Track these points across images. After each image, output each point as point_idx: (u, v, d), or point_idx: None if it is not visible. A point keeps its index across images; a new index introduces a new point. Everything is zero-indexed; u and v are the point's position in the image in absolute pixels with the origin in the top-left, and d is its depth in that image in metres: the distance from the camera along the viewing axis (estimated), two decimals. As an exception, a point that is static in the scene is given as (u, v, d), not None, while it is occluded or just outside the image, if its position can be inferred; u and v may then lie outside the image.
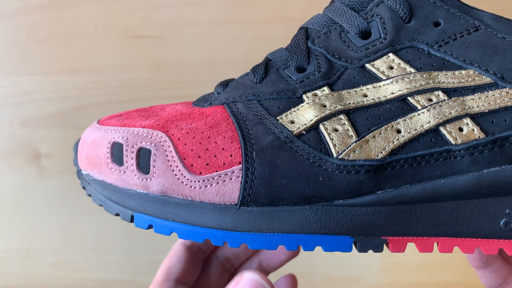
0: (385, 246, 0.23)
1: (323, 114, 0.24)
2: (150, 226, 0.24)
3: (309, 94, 0.25)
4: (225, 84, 0.28)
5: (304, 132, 0.23)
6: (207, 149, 0.23)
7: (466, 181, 0.22)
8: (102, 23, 0.45)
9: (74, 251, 0.50)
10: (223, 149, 0.23)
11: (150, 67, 0.46)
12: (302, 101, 0.25)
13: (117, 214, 0.25)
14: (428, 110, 0.23)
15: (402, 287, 0.50)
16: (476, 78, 0.23)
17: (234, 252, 0.35)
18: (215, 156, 0.23)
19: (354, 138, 0.23)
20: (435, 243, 0.23)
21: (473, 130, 0.22)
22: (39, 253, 0.51)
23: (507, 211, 0.22)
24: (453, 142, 0.22)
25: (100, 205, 0.26)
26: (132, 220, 0.25)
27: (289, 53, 0.27)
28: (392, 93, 0.24)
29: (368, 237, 0.23)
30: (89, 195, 0.27)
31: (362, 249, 0.23)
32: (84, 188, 0.27)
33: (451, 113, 0.23)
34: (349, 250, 0.23)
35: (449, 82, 0.23)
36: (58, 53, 0.46)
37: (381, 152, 0.23)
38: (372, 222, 0.23)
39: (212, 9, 0.44)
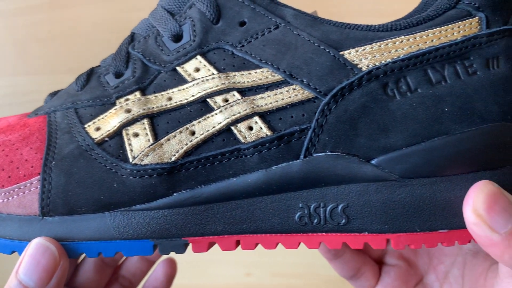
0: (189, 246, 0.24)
1: (125, 120, 0.24)
2: (-34, 240, 0.24)
3: (122, 100, 0.25)
4: (54, 93, 0.28)
5: (107, 139, 0.24)
6: (12, 161, 0.24)
7: (256, 178, 0.23)
8: (102, 23, 0.45)
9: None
10: (26, 160, 0.24)
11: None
12: (114, 107, 0.25)
13: None
14: (221, 111, 0.23)
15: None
16: (269, 77, 0.23)
17: (130, 272, 0.35)
18: (17, 168, 0.23)
19: (151, 142, 0.23)
20: (237, 241, 0.23)
21: (261, 128, 0.23)
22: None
23: (300, 205, 0.23)
24: (243, 141, 0.23)
25: None
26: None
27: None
28: (193, 96, 0.24)
29: (168, 239, 0.23)
30: None
31: (163, 251, 0.23)
32: None
33: (240, 112, 0.23)
34: (150, 253, 0.23)
35: (245, 82, 0.23)
36: (58, 53, 0.45)
37: (174, 155, 0.23)
38: (171, 224, 0.23)
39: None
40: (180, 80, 0.25)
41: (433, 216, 0.22)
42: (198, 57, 0.25)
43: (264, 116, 0.23)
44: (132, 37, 0.28)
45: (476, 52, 0.22)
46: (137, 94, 0.25)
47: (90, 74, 0.27)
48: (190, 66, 0.25)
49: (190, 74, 0.25)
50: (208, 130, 0.23)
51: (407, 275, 0.32)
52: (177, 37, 0.26)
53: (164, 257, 0.36)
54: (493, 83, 0.22)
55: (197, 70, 0.25)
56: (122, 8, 0.44)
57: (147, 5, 0.45)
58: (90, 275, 0.33)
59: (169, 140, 0.23)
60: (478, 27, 0.23)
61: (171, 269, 0.36)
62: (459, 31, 0.22)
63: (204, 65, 0.24)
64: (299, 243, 0.23)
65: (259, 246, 0.24)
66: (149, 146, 0.23)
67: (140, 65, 0.26)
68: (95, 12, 0.44)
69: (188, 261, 0.50)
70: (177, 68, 0.25)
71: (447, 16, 0.23)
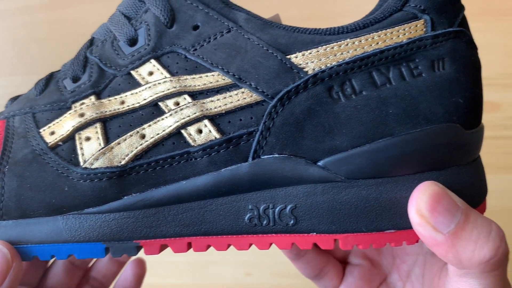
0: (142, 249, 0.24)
1: (79, 124, 0.24)
2: None
3: (77, 104, 0.25)
4: (15, 98, 0.28)
5: (60, 143, 0.24)
6: (-34, 166, 0.24)
7: (206, 181, 0.23)
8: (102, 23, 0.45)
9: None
10: (-19, 165, 0.24)
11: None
12: (69, 111, 0.25)
13: None
14: (171, 115, 0.23)
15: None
16: (220, 80, 0.24)
17: (101, 273, 0.35)
18: (-28, 172, 0.24)
19: (101, 146, 0.23)
20: (189, 243, 0.24)
21: (210, 131, 0.23)
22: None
23: (250, 206, 0.23)
24: (192, 144, 0.23)
25: None
26: None
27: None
28: (145, 99, 0.24)
29: (120, 242, 0.23)
30: None
31: (115, 254, 0.23)
32: None
33: (189, 115, 0.23)
34: (102, 256, 0.23)
35: (196, 85, 0.24)
36: (58, 53, 0.45)
37: (124, 158, 0.23)
38: (122, 227, 0.23)
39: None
40: (134, 84, 0.25)
41: (380, 217, 0.23)
42: (152, 60, 0.25)
43: (214, 119, 0.23)
44: (91, 42, 0.28)
45: (421, 54, 0.23)
46: (92, 98, 0.25)
47: (50, 78, 0.27)
48: (144, 70, 0.25)
49: (143, 78, 0.25)
50: (158, 134, 0.23)
51: (370, 275, 0.32)
52: (133, 41, 0.26)
53: (134, 256, 0.37)
54: (438, 85, 0.22)
55: (151, 73, 0.25)
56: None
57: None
58: (60, 277, 0.33)
59: (119, 144, 0.23)
60: (424, 29, 0.23)
61: (140, 269, 0.36)
62: (405, 34, 0.23)
63: (158, 69, 0.25)
64: (250, 244, 0.24)
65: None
66: (99, 150, 0.23)
67: (96, 69, 0.26)
68: (95, 12, 0.44)
69: (188, 261, 0.50)
70: (132, 72, 0.25)
71: (393, 18, 0.23)
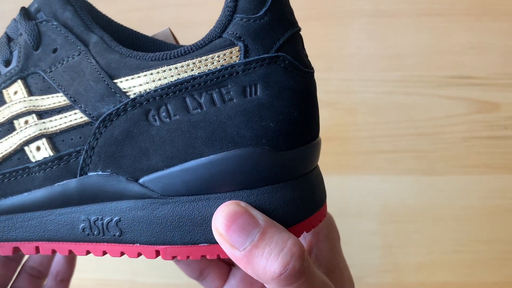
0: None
1: (-51, 139, 0.27)
2: None
3: (-42, 120, 0.28)
4: None
5: None
6: None
7: (43, 194, 0.25)
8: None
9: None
10: None
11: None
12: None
13: None
14: (17, 133, 0.26)
15: (402, 287, 0.51)
16: (62, 101, 0.26)
17: (37, 262, 0.39)
18: None
19: (-38, 160, 0.27)
20: (37, 247, 0.27)
21: (46, 149, 0.25)
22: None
23: (83, 218, 0.26)
24: (32, 160, 0.26)
25: None
26: None
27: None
28: (4, 117, 0.27)
29: (-22, 244, 0.27)
30: None
31: (-26, 254, 0.27)
32: None
33: (30, 134, 0.26)
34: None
35: (43, 105, 0.26)
36: None
37: (-23, 171, 0.26)
38: (-21, 231, 0.26)
39: (212, 9, 0.45)
40: (2, 102, 0.28)
41: (193, 231, 0.24)
42: (19, 81, 0.28)
43: (51, 138, 0.26)
44: (-15, 60, 0.31)
45: (233, 80, 0.24)
46: (-30, 114, 0.28)
47: None
48: (12, 89, 0.28)
49: (10, 97, 0.28)
50: (7, 150, 0.26)
51: (252, 277, 0.34)
52: (8, 62, 0.29)
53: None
54: (246, 110, 0.24)
55: (15, 93, 0.28)
56: (122, 8, 0.46)
57: (147, 5, 0.46)
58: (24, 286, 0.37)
59: (-25, 158, 0.26)
60: (239, 56, 0.24)
61: (72, 262, 0.39)
62: (219, 60, 0.24)
63: (21, 89, 0.27)
64: (88, 251, 0.26)
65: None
66: (-42, 164, 0.26)
67: (-22, 87, 0.29)
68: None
69: (188, 260, 0.53)
70: (3, 91, 0.28)
71: (212, 45, 0.24)
